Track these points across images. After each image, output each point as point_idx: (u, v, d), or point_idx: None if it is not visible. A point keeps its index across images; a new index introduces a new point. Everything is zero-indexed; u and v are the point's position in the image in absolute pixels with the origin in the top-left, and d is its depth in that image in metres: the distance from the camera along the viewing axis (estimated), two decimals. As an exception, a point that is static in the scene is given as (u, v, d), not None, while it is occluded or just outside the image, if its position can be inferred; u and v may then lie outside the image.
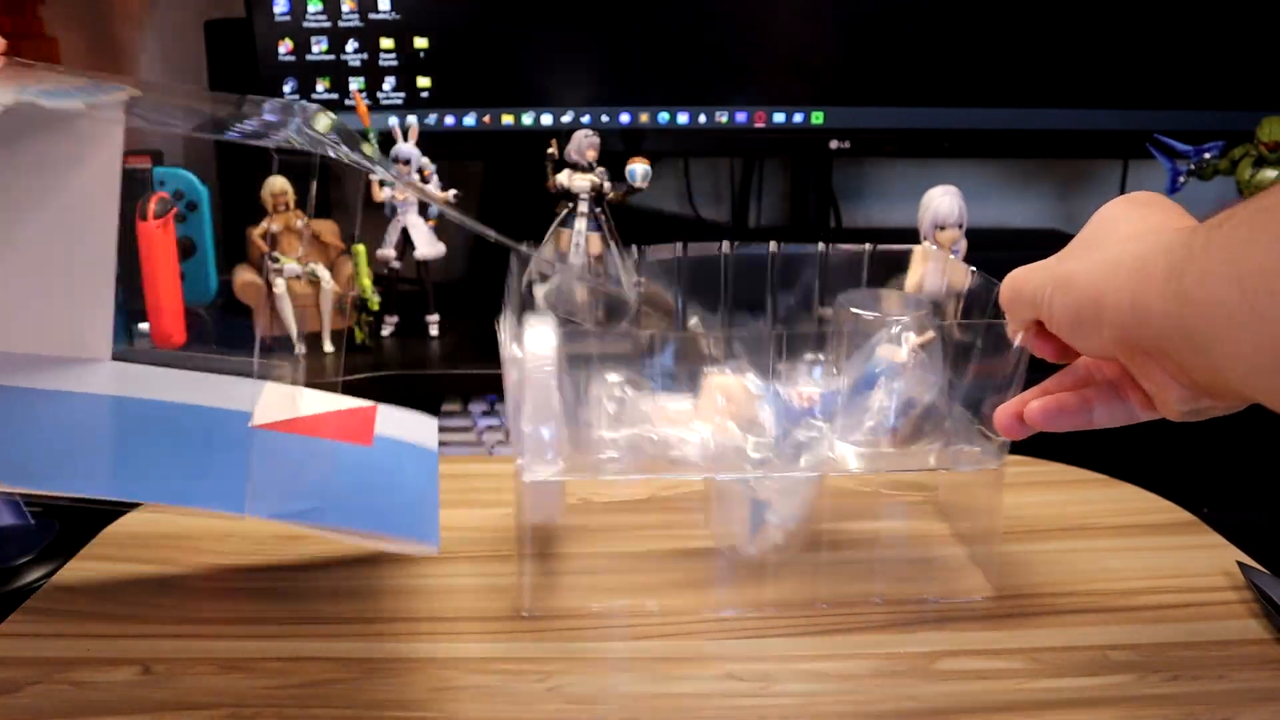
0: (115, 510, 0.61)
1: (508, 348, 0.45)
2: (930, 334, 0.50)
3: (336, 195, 1.05)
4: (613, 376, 0.49)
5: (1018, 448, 0.72)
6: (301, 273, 0.78)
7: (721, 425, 0.47)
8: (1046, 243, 1.07)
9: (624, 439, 0.49)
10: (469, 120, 0.94)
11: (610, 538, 0.54)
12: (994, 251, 0.93)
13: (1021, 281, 0.42)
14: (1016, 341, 0.43)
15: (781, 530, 0.49)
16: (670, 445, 0.47)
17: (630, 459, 0.48)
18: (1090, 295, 0.37)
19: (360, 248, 0.81)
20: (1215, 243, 0.31)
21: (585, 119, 0.95)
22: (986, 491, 0.52)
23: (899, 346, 0.50)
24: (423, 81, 0.93)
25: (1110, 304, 0.36)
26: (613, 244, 0.79)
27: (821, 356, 0.53)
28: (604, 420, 0.48)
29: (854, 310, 0.53)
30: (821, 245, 0.58)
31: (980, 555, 0.53)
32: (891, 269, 0.59)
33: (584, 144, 0.78)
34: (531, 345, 0.45)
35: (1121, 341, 0.36)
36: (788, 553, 0.50)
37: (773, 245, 0.58)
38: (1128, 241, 0.38)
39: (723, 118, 0.96)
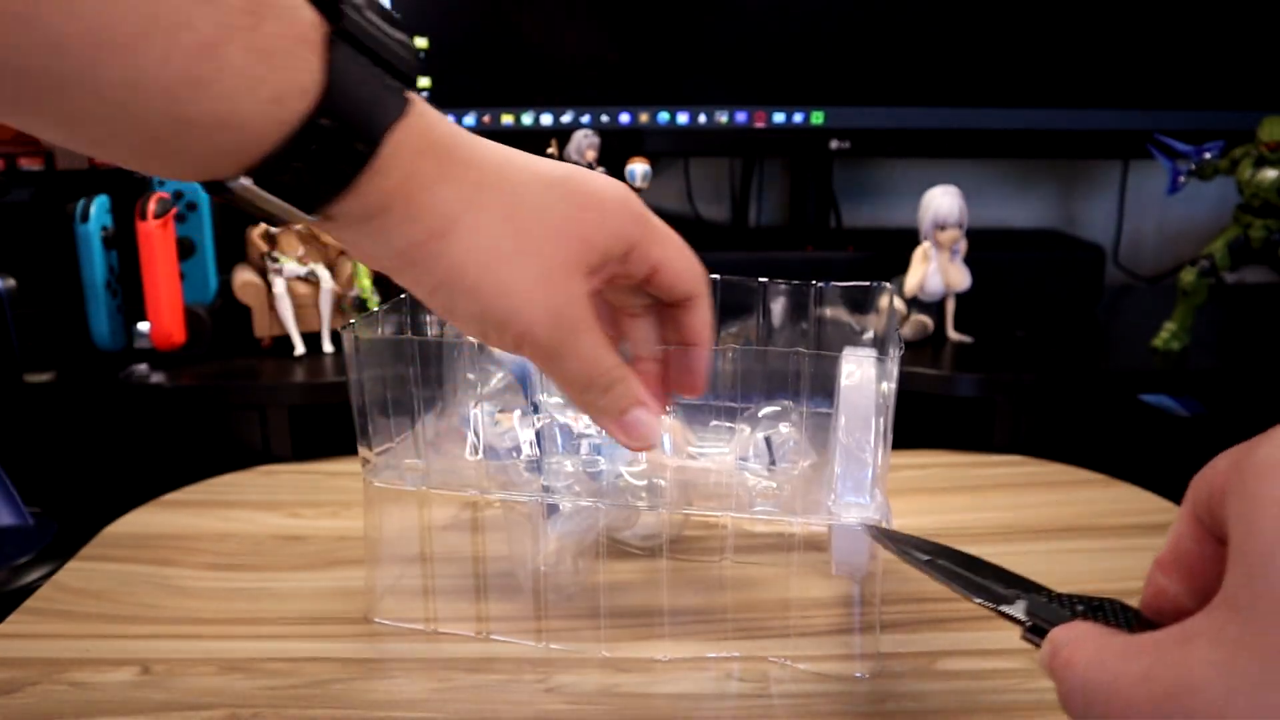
0: (114, 511, 0.61)
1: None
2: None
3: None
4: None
5: (1017, 446, 0.72)
6: (301, 273, 0.78)
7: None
8: (1047, 243, 1.07)
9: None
10: (469, 120, 0.94)
11: (459, 544, 0.51)
12: (994, 251, 0.93)
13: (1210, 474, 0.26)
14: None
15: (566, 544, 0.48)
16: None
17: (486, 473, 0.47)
18: None
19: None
20: None
21: (585, 119, 0.95)
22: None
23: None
24: (423, 82, 0.93)
25: None
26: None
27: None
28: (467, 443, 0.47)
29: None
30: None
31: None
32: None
33: (584, 144, 0.78)
34: None
35: None
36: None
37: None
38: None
39: (722, 118, 0.96)
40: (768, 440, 0.49)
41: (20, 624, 0.49)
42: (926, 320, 0.82)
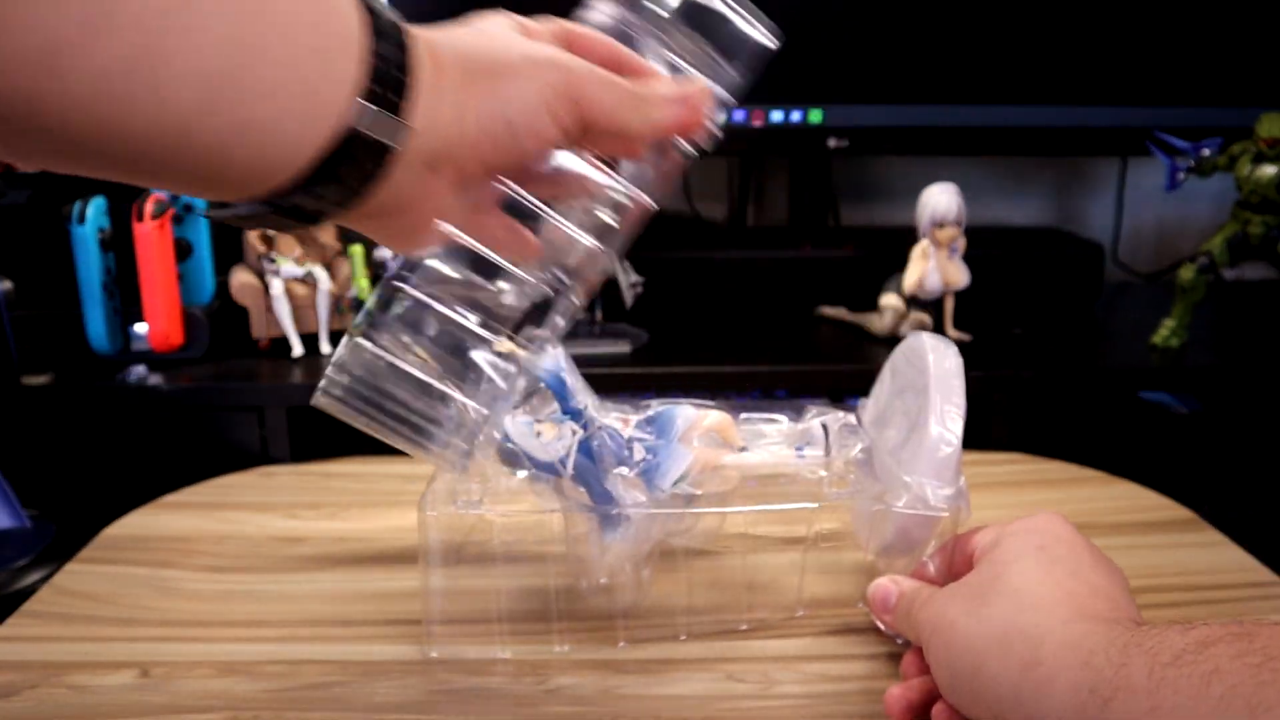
0: (113, 513, 0.61)
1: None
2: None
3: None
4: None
5: (1016, 444, 0.72)
6: (299, 274, 0.78)
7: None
8: (1045, 240, 1.07)
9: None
10: (466, 120, 0.94)
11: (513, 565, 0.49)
12: (992, 249, 0.93)
13: (919, 606, 0.40)
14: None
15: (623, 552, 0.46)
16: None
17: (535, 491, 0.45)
18: (969, 661, 0.35)
19: (357, 248, 0.81)
20: (1167, 688, 0.28)
21: (583, 118, 0.95)
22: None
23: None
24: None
25: (989, 687, 0.33)
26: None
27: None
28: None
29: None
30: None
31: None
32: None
33: (581, 143, 0.78)
34: None
35: None
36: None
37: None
38: (1022, 611, 0.35)
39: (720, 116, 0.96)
40: (824, 426, 0.48)
41: (18, 627, 0.48)
42: (925, 318, 0.82)
